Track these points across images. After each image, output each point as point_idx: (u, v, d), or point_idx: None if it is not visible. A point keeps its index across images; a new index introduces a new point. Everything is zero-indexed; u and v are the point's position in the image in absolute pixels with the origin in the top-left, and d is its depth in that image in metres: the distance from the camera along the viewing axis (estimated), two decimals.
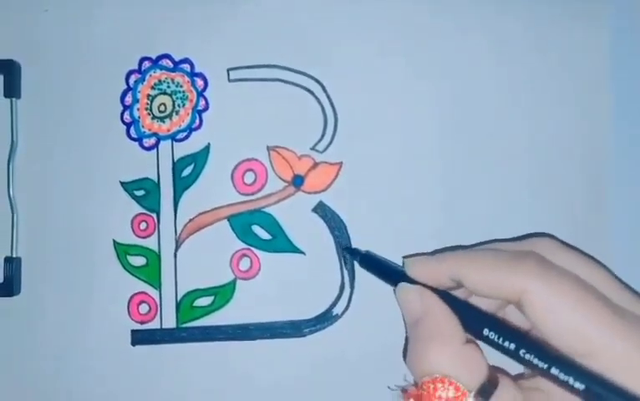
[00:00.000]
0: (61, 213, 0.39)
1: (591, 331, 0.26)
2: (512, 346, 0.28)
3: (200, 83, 0.39)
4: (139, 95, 0.39)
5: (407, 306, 0.31)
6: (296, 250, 0.38)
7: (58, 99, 0.40)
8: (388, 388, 0.31)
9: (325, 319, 0.38)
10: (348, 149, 0.39)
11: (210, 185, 0.39)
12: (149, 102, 0.39)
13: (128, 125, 0.39)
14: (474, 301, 0.30)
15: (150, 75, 0.39)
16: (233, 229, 0.39)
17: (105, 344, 0.39)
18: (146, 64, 0.39)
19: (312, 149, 0.39)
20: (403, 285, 0.31)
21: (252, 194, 0.39)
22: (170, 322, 0.39)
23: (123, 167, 0.39)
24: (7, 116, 0.40)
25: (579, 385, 0.26)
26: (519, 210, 0.38)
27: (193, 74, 0.39)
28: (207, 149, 0.39)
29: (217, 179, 0.39)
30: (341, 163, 0.39)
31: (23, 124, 0.40)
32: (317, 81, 0.39)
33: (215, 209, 0.39)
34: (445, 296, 0.30)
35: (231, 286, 0.38)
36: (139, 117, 0.39)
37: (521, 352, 0.28)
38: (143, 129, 0.39)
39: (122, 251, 0.39)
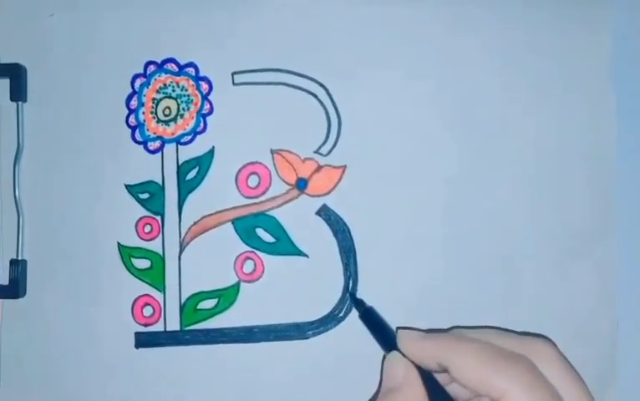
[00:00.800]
0: (66, 215, 0.40)
1: None
2: None
3: (204, 86, 0.39)
4: (144, 99, 0.39)
5: (389, 372, 0.31)
6: (299, 253, 0.39)
7: (64, 103, 0.40)
8: None
9: (328, 321, 0.38)
10: (352, 153, 0.39)
11: (215, 188, 0.39)
12: (154, 105, 0.39)
13: (133, 128, 0.39)
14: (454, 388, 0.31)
15: (155, 79, 0.39)
16: (237, 232, 0.39)
17: (109, 346, 0.39)
18: (151, 68, 0.40)
19: (316, 152, 0.39)
20: (394, 353, 0.32)
21: (256, 197, 0.39)
22: (174, 324, 0.39)
23: (128, 170, 0.39)
24: (13, 119, 0.40)
25: None
26: (523, 213, 0.38)
27: (198, 78, 0.39)
28: (212, 152, 0.39)
29: (221, 182, 0.39)
30: (345, 166, 0.39)
31: (29, 128, 0.40)
32: (321, 84, 0.39)
33: (220, 212, 0.39)
34: (427, 376, 0.31)
35: (235, 288, 0.39)
36: (144, 120, 0.39)
37: None
38: (148, 133, 0.39)
39: (126, 253, 0.39)
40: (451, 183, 0.39)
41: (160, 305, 0.39)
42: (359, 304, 0.37)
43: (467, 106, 0.39)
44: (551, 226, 0.38)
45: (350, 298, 0.38)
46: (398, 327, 0.33)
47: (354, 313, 0.38)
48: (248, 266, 0.39)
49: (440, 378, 0.31)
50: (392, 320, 0.37)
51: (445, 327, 0.37)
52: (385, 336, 0.34)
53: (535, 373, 0.28)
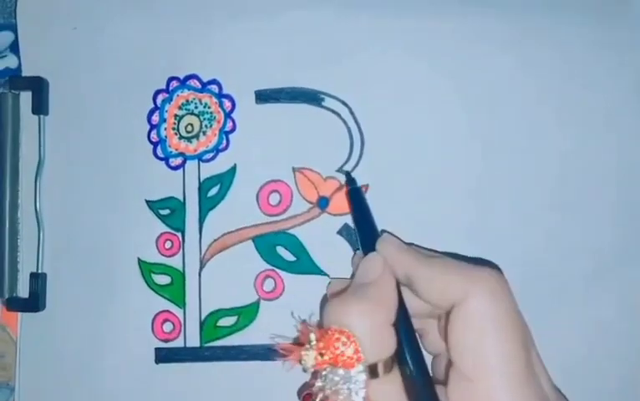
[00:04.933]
0: (87, 230, 0.40)
1: (495, 363, 0.27)
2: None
3: (227, 104, 0.39)
4: (166, 115, 0.40)
5: (367, 268, 0.32)
6: (320, 272, 0.39)
7: (86, 117, 0.40)
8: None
9: None
10: (375, 172, 0.39)
11: (236, 206, 0.39)
12: (176, 122, 0.39)
13: (155, 144, 0.39)
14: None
15: (178, 95, 0.40)
16: (258, 250, 0.39)
17: (129, 361, 0.39)
18: (174, 84, 0.40)
19: (338, 171, 0.39)
20: (375, 254, 0.32)
21: (277, 215, 0.39)
22: (193, 340, 0.39)
23: (149, 186, 0.39)
24: (35, 133, 0.40)
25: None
26: (550, 231, 0.38)
27: (221, 95, 0.39)
28: (233, 169, 0.39)
29: (243, 199, 0.39)
30: (367, 185, 0.39)
31: (51, 141, 0.41)
32: (344, 103, 0.39)
33: (240, 229, 0.39)
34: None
35: (255, 306, 0.39)
36: (166, 136, 0.39)
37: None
38: (170, 149, 0.39)
39: (147, 269, 0.39)
40: (475, 202, 0.38)
41: (180, 321, 0.39)
42: (351, 181, 0.37)
43: (492, 124, 0.39)
44: (576, 248, 0.38)
45: (345, 174, 0.38)
46: (383, 230, 0.35)
47: None
48: (268, 285, 0.39)
49: None
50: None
51: None
52: (367, 229, 0.35)
53: (503, 282, 0.29)
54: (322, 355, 0.28)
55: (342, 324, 0.28)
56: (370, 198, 0.39)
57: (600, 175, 0.38)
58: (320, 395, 0.29)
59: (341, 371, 0.28)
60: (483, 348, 0.28)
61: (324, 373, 0.29)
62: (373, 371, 0.28)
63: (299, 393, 0.31)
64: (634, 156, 0.38)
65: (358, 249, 0.38)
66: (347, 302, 0.30)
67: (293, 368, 0.30)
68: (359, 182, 0.39)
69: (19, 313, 0.40)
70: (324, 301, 0.36)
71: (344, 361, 0.28)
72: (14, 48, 0.41)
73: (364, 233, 0.35)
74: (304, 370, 0.29)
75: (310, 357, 0.29)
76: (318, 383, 0.29)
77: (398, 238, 0.34)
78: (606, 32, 0.39)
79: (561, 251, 0.38)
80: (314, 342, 0.29)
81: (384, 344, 0.29)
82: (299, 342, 0.30)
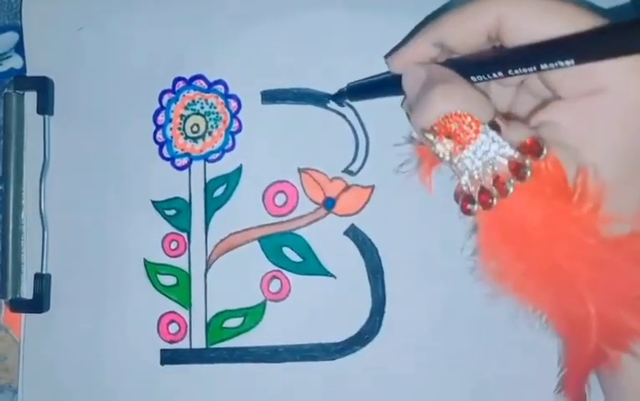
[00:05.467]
0: (92, 230, 0.40)
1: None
2: (500, 74, 0.28)
3: (233, 104, 0.39)
4: (172, 115, 0.40)
5: (410, 78, 0.31)
6: (326, 273, 0.39)
7: (91, 117, 0.40)
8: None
9: (355, 343, 0.38)
10: (381, 172, 0.39)
11: (242, 206, 0.39)
12: (182, 122, 0.39)
13: (160, 145, 0.40)
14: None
15: (184, 95, 0.40)
16: (264, 250, 0.39)
17: (134, 363, 0.39)
18: (180, 84, 0.40)
19: (344, 171, 0.39)
20: (405, 70, 0.32)
21: (283, 215, 0.39)
22: (199, 342, 0.39)
23: (155, 186, 0.39)
24: (39, 133, 0.40)
25: (569, 62, 0.26)
26: None
27: (227, 96, 0.40)
28: (239, 170, 0.39)
29: (249, 200, 0.39)
30: (373, 186, 0.39)
31: (56, 141, 0.40)
32: (349, 105, 0.39)
33: (246, 230, 0.39)
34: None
35: (261, 307, 0.39)
36: (171, 137, 0.39)
37: (509, 72, 0.28)
38: (175, 149, 0.39)
39: (152, 270, 0.39)
40: None
41: (185, 322, 0.39)
42: (341, 95, 0.38)
43: None
44: None
45: (331, 99, 0.39)
46: (384, 55, 0.35)
47: (381, 335, 0.38)
48: (275, 286, 0.39)
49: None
50: (419, 339, 0.38)
51: (472, 348, 0.38)
52: (379, 84, 0.36)
53: None
54: (450, 137, 0.27)
55: (438, 115, 0.28)
56: (376, 199, 0.39)
57: None
58: (473, 184, 0.28)
59: (476, 143, 0.27)
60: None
61: (460, 163, 0.28)
62: (495, 127, 0.27)
63: (456, 199, 0.29)
64: None
65: (365, 251, 0.38)
66: (426, 99, 0.29)
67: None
68: (366, 183, 0.39)
69: (23, 314, 0.40)
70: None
71: (469, 133, 0.27)
72: (19, 48, 0.41)
73: (382, 89, 0.35)
74: (449, 165, 0.29)
75: (444, 146, 0.28)
76: (464, 179, 0.28)
77: None
78: None
79: None
80: (436, 138, 0.28)
81: (481, 99, 0.28)
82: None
